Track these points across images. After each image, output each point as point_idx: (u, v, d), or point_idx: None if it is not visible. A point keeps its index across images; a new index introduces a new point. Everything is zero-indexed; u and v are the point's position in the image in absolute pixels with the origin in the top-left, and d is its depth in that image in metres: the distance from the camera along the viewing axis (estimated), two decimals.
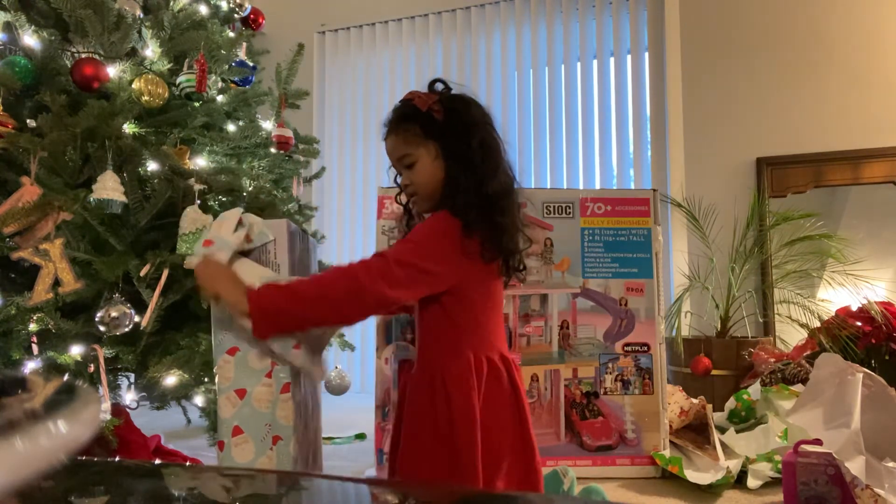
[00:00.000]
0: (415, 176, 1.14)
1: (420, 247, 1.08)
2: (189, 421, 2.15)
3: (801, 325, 2.53)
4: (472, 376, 1.09)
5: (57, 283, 1.37)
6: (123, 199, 1.44)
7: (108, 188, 1.41)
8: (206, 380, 1.60)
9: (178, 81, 1.69)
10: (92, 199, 1.40)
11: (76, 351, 1.43)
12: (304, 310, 1.05)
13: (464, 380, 1.09)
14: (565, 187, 3.32)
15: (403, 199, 1.24)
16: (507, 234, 1.12)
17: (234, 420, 1.07)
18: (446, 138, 1.13)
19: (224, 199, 1.70)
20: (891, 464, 1.27)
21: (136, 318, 1.43)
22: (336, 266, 1.09)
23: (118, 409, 1.60)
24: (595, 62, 3.38)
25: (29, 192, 1.38)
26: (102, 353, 1.43)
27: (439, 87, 1.18)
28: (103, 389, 1.42)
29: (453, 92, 1.18)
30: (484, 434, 1.07)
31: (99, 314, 1.38)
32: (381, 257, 1.06)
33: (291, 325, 1.08)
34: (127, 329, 1.40)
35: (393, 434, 1.24)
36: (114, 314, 1.38)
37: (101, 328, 1.38)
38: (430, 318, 1.14)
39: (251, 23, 2.27)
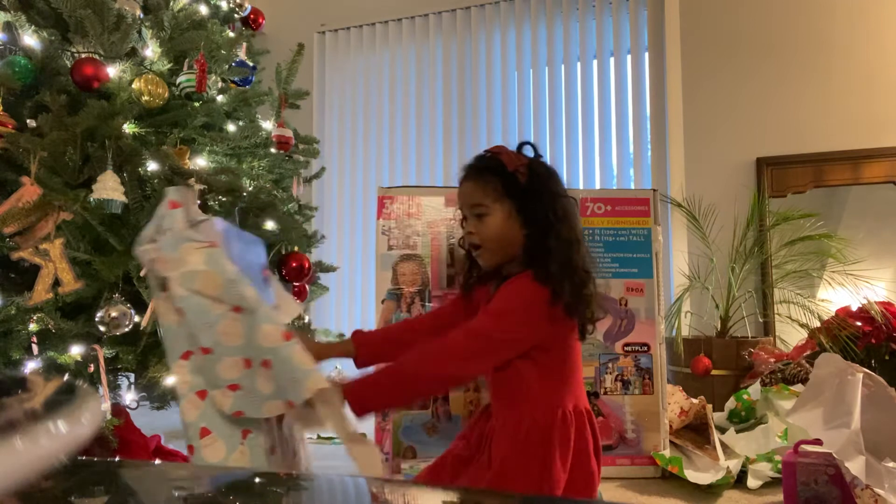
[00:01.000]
0: (484, 228, 1.17)
1: (505, 317, 1.11)
2: None
3: (801, 325, 2.53)
4: (567, 429, 1.14)
5: (57, 283, 1.37)
6: (123, 199, 1.44)
7: (109, 188, 1.41)
8: None
9: (178, 81, 1.69)
10: (92, 200, 1.40)
11: (76, 351, 1.43)
12: (398, 400, 1.12)
13: (558, 432, 1.13)
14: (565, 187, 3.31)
15: (465, 244, 1.26)
16: (592, 305, 1.16)
17: (201, 422, 1.06)
18: (526, 202, 1.16)
19: (224, 199, 1.70)
20: (891, 464, 1.27)
21: (136, 318, 1.43)
22: (422, 349, 1.11)
23: (118, 409, 1.61)
24: (595, 62, 3.38)
25: (29, 191, 1.38)
26: (102, 353, 1.43)
27: (528, 150, 1.21)
28: (103, 389, 1.42)
29: (541, 159, 1.21)
30: (569, 484, 1.12)
31: (99, 314, 1.38)
32: (470, 335, 1.09)
33: (383, 409, 1.13)
34: (127, 329, 1.40)
35: (449, 463, 1.26)
36: (114, 314, 1.38)
37: (102, 328, 1.38)
38: (518, 371, 1.16)
39: (251, 23, 2.27)
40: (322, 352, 1.24)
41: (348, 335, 2.19)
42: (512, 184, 1.16)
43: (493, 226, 1.16)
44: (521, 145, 1.23)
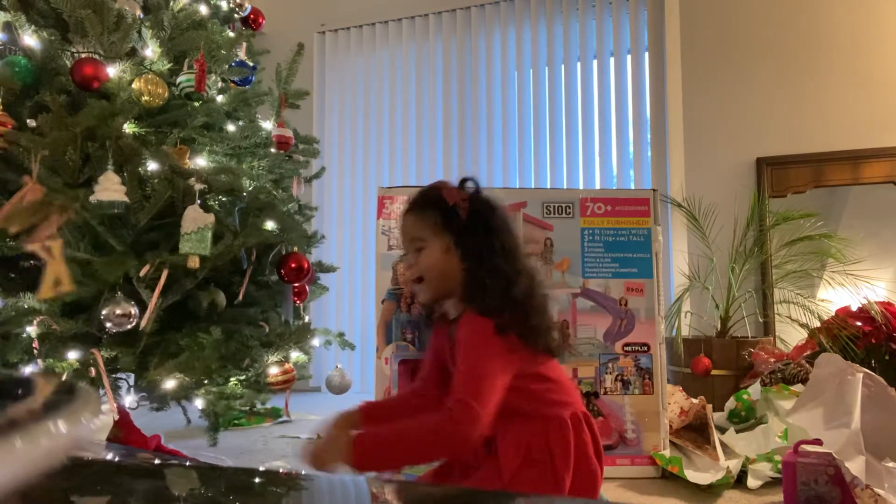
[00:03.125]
0: (422, 260, 1.18)
1: (478, 374, 1.10)
2: (189, 421, 2.15)
3: (801, 325, 2.53)
4: (566, 436, 1.15)
5: (57, 282, 1.37)
6: (126, 199, 1.44)
7: (112, 189, 1.41)
8: (206, 382, 1.61)
9: (178, 81, 1.69)
10: (95, 200, 1.40)
11: (76, 355, 1.43)
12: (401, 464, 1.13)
13: (557, 443, 1.14)
14: (565, 187, 3.32)
15: (408, 279, 1.28)
16: (543, 334, 1.16)
17: None
18: (465, 236, 1.16)
19: (224, 198, 1.70)
20: (891, 464, 1.27)
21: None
22: (420, 424, 1.11)
23: (118, 410, 1.60)
24: (595, 62, 3.38)
25: (32, 191, 1.38)
26: (101, 356, 1.43)
27: (470, 185, 1.22)
28: (107, 393, 1.42)
29: (483, 194, 1.22)
30: (572, 487, 1.15)
31: (104, 312, 1.38)
32: (460, 406, 1.07)
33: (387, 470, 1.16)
34: (130, 327, 1.40)
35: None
36: (119, 311, 1.38)
37: (107, 324, 1.38)
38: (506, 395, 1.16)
39: (251, 23, 2.27)
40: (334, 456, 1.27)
41: (349, 335, 2.20)
42: (451, 218, 1.17)
43: (431, 259, 1.17)
44: (463, 180, 1.23)
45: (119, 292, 1.41)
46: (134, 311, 1.41)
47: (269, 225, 1.73)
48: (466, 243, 1.16)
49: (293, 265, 1.77)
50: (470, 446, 1.09)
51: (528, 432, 1.15)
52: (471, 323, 1.13)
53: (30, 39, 1.57)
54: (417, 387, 1.35)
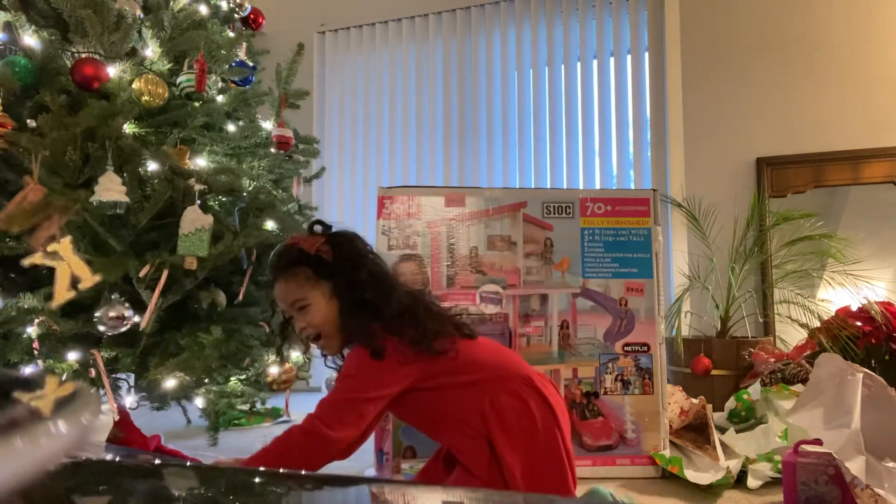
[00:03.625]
0: (311, 318, 1.19)
1: (338, 403, 1.14)
2: (189, 421, 2.15)
3: (801, 325, 2.53)
4: (502, 414, 1.14)
5: (73, 280, 1.37)
6: (126, 199, 1.44)
7: (112, 189, 1.41)
8: (206, 381, 1.60)
9: (178, 81, 1.69)
10: (96, 201, 1.40)
11: (76, 355, 1.43)
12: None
13: (494, 424, 1.14)
14: (565, 187, 3.32)
15: (304, 341, 1.28)
16: (429, 337, 1.17)
17: None
18: (337, 277, 1.18)
19: (224, 199, 1.70)
20: (891, 464, 1.27)
21: (136, 319, 1.43)
22: (291, 431, 1.13)
23: (119, 411, 1.60)
24: (595, 62, 3.38)
25: (33, 191, 1.38)
26: (101, 357, 1.43)
27: (318, 228, 1.24)
28: (107, 394, 1.42)
29: (334, 231, 1.25)
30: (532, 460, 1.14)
31: (97, 314, 1.38)
32: (325, 408, 1.12)
33: None
34: (125, 328, 1.40)
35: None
36: (112, 314, 1.38)
37: (100, 327, 1.38)
38: (424, 403, 1.19)
39: (251, 23, 2.27)
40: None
41: None
42: (320, 266, 1.19)
43: (319, 313, 1.19)
44: (311, 225, 1.25)
45: (114, 294, 1.41)
46: (128, 313, 1.40)
47: (269, 225, 1.73)
48: (341, 283, 1.19)
49: None
50: (332, 450, 1.10)
51: (465, 428, 1.15)
52: (352, 355, 1.17)
53: (30, 39, 1.57)
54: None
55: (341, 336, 1.22)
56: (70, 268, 1.34)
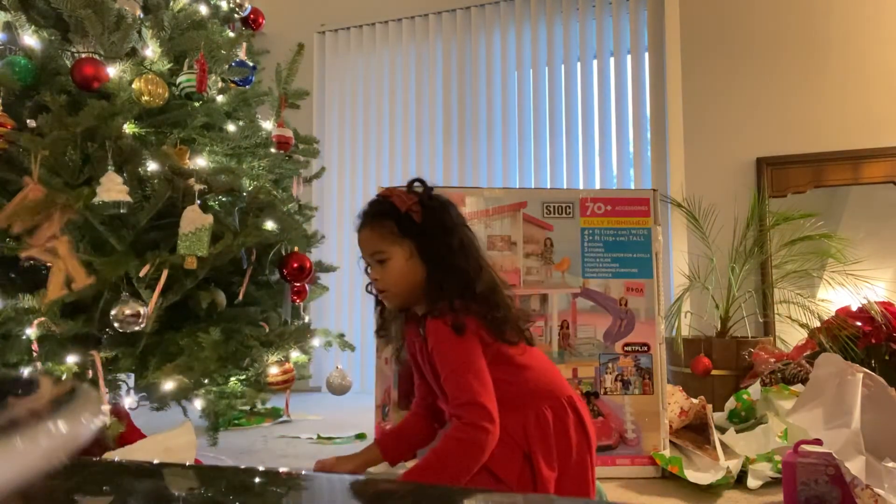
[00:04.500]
0: (386, 273, 1.18)
1: (461, 372, 1.11)
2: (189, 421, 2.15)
3: (801, 325, 2.53)
4: (545, 430, 1.15)
5: (67, 279, 1.37)
6: (129, 199, 1.44)
7: (114, 190, 1.41)
8: (206, 382, 1.61)
9: (178, 81, 1.69)
10: (98, 201, 1.40)
11: (75, 356, 1.43)
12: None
13: (535, 437, 1.14)
14: (565, 187, 3.32)
15: (374, 290, 1.27)
16: (507, 324, 1.17)
17: None
18: (424, 239, 1.16)
19: (224, 198, 1.70)
20: (891, 464, 1.27)
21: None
22: (442, 449, 1.11)
23: (119, 411, 1.60)
24: (595, 62, 3.38)
25: (33, 190, 1.38)
26: (100, 357, 1.43)
27: (418, 186, 1.22)
28: (102, 395, 1.42)
29: (433, 194, 1.21)
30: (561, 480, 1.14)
31: (112, 312, 1.39)
32: (463, 410, 1.09)
33: None
34: (141, 326, 1.41)
35: None
36: (128, 312, 1.39)
37: (115, 324, 1.38)
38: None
39: (251, 23, 2.27)
40: (356, 466, 1.30)
41: (348, 335, 2.20)
42: (407, 224, 1.16)
43: (396, 269, 1.17)
44: (411, 182, 1.23)
45: (125, 292, 1.41)
46: (143, 310, 1.41)
47: (269, 225, 1.73)
48: (426, 246, 1.17)
49: (295, 265, 1.77)
50: (493, 440, 1.09)
51: (505, 421, 1.14)
52: (434, 329, 1.14)
53: (30, 39, 1.57)
54: (417, 396, 1.37)
55: (410, 297, 1.20)
56: (66, 267, 1.34)
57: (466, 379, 1.10)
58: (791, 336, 2.61)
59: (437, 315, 1.13)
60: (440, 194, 1.23)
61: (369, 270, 1.24)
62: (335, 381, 2.07)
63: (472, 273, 1.16)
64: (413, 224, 1.16)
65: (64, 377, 1.40)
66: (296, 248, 1.83)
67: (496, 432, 1.08)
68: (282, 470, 0.55)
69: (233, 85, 1.96)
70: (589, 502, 1.02)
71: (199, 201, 1.52)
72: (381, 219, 1.18)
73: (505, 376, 1.16)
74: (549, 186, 3.36)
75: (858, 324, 2.26)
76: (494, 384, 1.13)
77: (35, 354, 1.42)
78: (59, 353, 1.44)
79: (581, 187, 3.32)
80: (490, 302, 1.16)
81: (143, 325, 1.41)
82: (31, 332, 1.41)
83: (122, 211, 1.43)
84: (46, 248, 1.35)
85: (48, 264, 1.36)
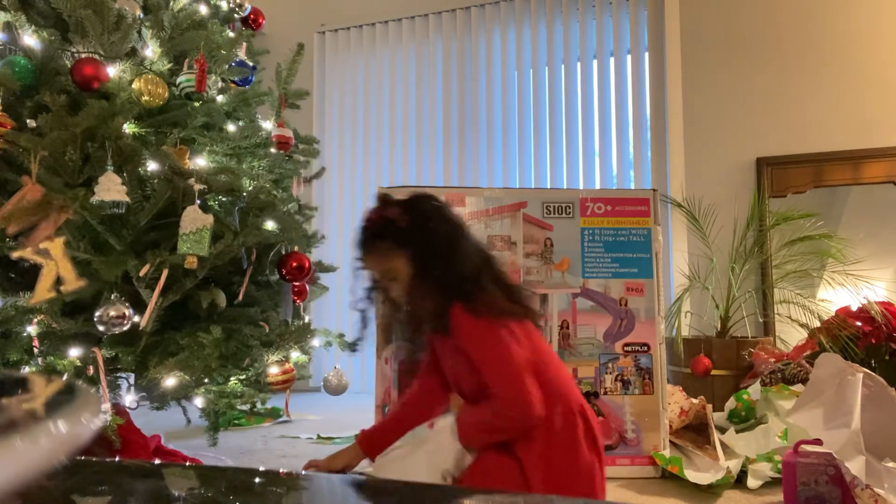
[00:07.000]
0: (402, 287, 1.22)
1: (495, 360, 1.14)
2: (189, 421, 2.15)
3: (801, 325, 2.53)
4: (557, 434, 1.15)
5: (58, 281, 1.37)
6: (127, 199, 1.44)
7: (113, 189, 1.41)
8: (206, 381, 1.60)
9: (178, 81, 1.69)
10: (96, 201, 1.40)
11: (76, 353, 1.43)
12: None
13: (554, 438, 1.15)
14: (565, 187, 3.32)
15: (396, 303, 1.29)
16: (511, 295, 1.20)
17: None
18: (418, 242, 1.19)
19: (224, 198, 1.70)
20: (891, 464, 1.27)
21: (136, 318, 1.43)
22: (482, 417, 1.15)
23: (119, 410, 1.60)
24: (595, 62, 3.38)
25: (31, 191, 1.38)
26: (101, 355, 1.43)
27: (389, 195, 1.25)
28: (103, 391, 1.42)
29: (406, 196, 1.25)
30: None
31: (97, 313, 1.38)
32: (507, 391, 1.11)
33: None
34: (125, 328, 1.40)
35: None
36: (113, 313, 1.38)
37: (100, 327, 1.38)
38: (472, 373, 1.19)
39: (251, 23, 2.27)
40: (332, 463, 1.32)
41: (347, 335, 2.19)
42: (398, 236, 1.19)
43: (405, 282, 1.21)
44: (381, 195, 1.25)
45: (113, 293, 1.41)
46: (128, 312, 1.40)
47: (269, 225, 1.73)
48: (423, 247, 1.20)
49: (294, 264, 1.77)
50: (536, 418, 1.11)
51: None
52: (456, 321, 1.16)
53: (30, 39, 1.57)
54: (408, 398, 1.37)
55: (410, 305, 1.24)
56: (57, 268, 1.34)
57: (500, 366, 1.13)
58: (791, 336, 2.61)
59: (461, 307, 1.16)
60: (411, 193, 1.27)
61: (383, 288, 1.27)
62: (332, 382, 2.07)
63: (461, 258, 1.19)
64: (404, 232, 1.19)
65: (65, 374, 1.40)
66: (296, 248, 1.82)
67: (536, 414, 1.10)
68: (282, 470, 0.55)
69: (233, 85, 1.96)
70: (588, 502, 1.02)
71: (199, 201, 1.52)
72: (375, 240, 1.21)
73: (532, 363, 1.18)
74: (549, 186, 3.36)
75: (858, 324, 2.26)
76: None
77: (36, 352, 1.42)
78: (60, 350, 1.44)
79: (581, 187, 3.32)
80: (485, 279, 1.19)
81: (127, 326, 1.40)
82: (32, 329, 1.41)
83: (120, 211, 1.43)
84: (38, 250, 1.35)
85: (41, 264, 1.36)
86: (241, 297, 1.68)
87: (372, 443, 1.31)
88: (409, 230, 1.19)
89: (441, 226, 1.21)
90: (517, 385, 1.11)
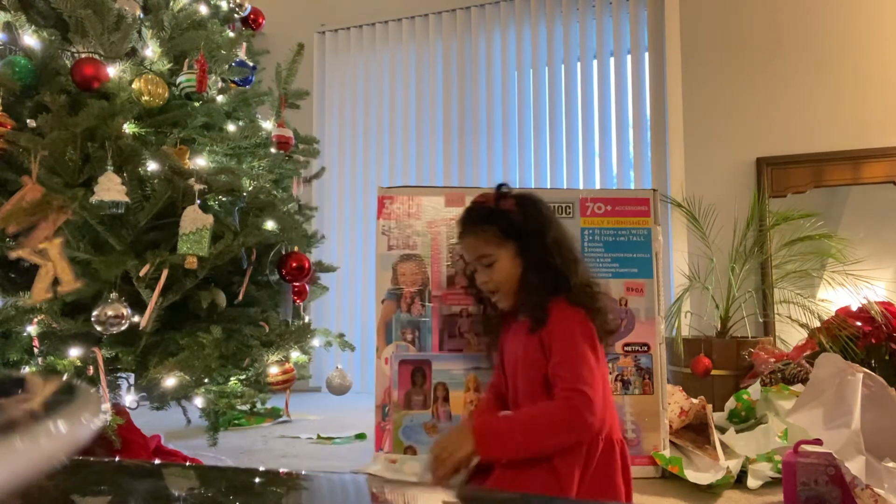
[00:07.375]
0: (495, 274, 1.24)
1: (577, 360, 1.14)
2: (189, 421, 2.15)
3: (801, 325, 2.53)
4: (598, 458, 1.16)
5: (56, 282, 1.37)
6: (126, 199, 1.44)
7: (112, 189, 1.41)
8: (206, 381, 1.60)
9: (178, 81, 1.69)
10: (96, 201, 1.40)
11: (76, 353, 1.43)
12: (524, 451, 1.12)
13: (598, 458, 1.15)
14: (565, 187, 3.32)
15: (483, 290, 1.32)
16: (610, 314, 1.23)
17: None
18: (524, 239, 1.22)
19: (224, 198, 1.70)
20: (891, 464, 1.27)
21: (136, 318, 1.43)
22: (541, 412, 1.15)
23: (119, 410, 1.60)
24: (595, 62, 3.38)
25: (31, 191, 1.38)
26: (101, 355, 1.43)
27: (507, 189, 1.28)
28: (103, 391, 1.42)
29: (524, 193, 1.29)
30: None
31: (95, 313, 1.38)
32: (573, 393, 1.11)
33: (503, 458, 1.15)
34: (123, 328, 1.40)
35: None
36: (110, 313, 1.38)
37: (98, 327, 1.38)
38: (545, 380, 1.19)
39: (251, 23, 2.27)
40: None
41: (349, 335, 2.20)
42: (508, 226, 1.23)
43: (503, 270, 1.23)
44: (500, 186, 1.29)
45: (113, 293, 1.41)
46: (126, 311, 1.40)
47: (269, 225, 1.73)
48: (526, 245, 1.22)
49: (294, 264, 1.77)
50: (591, 431, 1.11)
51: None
52: (561, 312, 1.18)
53: (30, 39, 1.57)
54: (493, 384, 1.40)
55: (519, 295, 1.25)
56: (54, 269, 1.34)
57: (579, 367, 1.14)
58: (791, 336, 2.61)
59: (567, 301, 1.19)
60: (531, 194, 1.30)
61: (476, 275, 1.29)
62: (335, 382, 2.07)
63: (567, 268, 1.22)
64: (513, 225, 1.22)
65: (65, 374, 1.40)
66: (296, 248, 1.82)
67: (593, 423, 1.10)
68: (282, 470, 0.55)
69: (233, 85, 1.96)
70: (590, 502, 1.02)
71: (199, 201, 1.52)
72: (483, 224, 1.24)
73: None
74: (549, 186, 3.36)
75: (858, 324, 2.26)
76: None
77: (36, 352, 1.42)
78: (60, 350, 1.44)
79: (581, 187, 3.32)
80: (588, 296, 1.21)
81: (125, 326, 1.40)
82: (32, 329, 1.41)
83: (120, 211, 1.43)
84: (36, 250, 1.35)
85: (39, 264, 1.36)
86: (241, 297, 1.68)
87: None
88: (521, 224, 1.22)
89: (553, 230, 1.25)
90: (595, 389, 1.11)
